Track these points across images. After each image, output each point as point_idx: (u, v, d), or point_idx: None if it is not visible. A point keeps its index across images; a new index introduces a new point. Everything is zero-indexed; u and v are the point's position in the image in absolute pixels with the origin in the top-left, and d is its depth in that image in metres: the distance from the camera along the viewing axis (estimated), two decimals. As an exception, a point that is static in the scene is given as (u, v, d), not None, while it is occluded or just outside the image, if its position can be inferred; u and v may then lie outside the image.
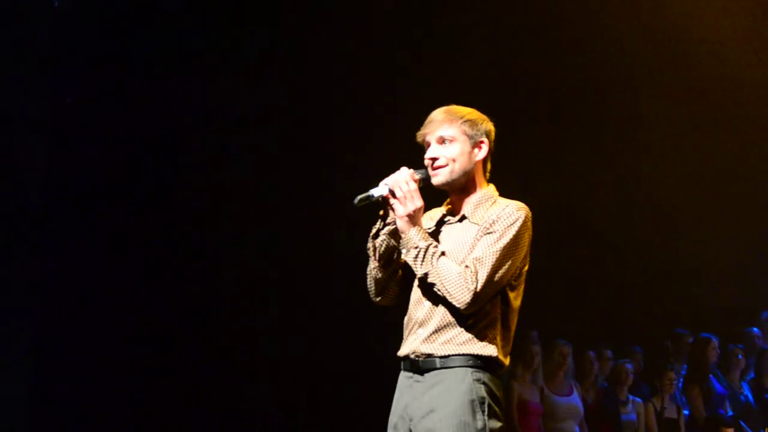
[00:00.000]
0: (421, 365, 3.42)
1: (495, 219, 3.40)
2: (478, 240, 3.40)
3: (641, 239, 8.75)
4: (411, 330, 3.48)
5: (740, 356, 8.28)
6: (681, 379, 8.18)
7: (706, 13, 8.64)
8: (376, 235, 3.50)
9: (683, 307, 8.81)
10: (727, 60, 8.78)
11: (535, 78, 8.43)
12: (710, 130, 8.97)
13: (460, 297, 3.31)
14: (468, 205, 3.52)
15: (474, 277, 3.30)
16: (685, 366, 8.32)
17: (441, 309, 3.41)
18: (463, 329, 3.39)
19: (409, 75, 7.86)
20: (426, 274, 3.37)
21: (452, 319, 3.39)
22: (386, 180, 3.45)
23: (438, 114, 3.53)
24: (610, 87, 8.77)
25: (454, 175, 3.50)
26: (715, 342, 8.21)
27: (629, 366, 7.95)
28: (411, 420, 3.40)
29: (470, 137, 3.51)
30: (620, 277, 8.70)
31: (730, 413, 8.01)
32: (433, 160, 3.50)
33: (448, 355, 3.38)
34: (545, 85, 8.56)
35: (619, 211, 8.74)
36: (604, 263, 8.66)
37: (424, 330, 3.43)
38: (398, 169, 3.48)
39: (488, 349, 3.39)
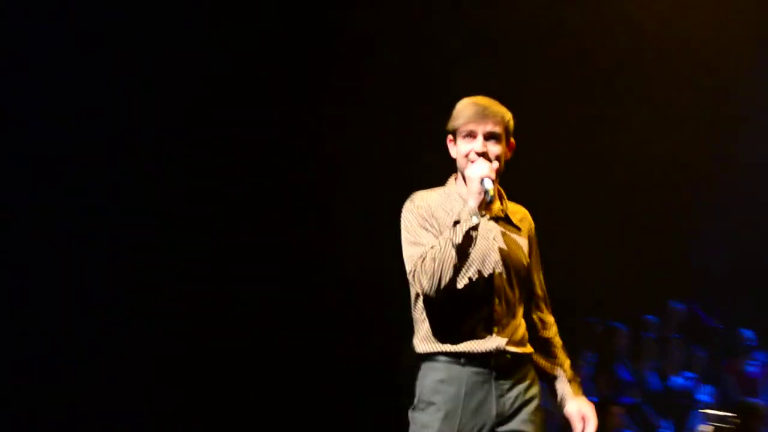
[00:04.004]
0: (510, 363, 3.44)
1: (534, 236, 3.63)
2: (530, 246, 3.58)
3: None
4: (489, 325, 3.43)
5: (648, 344, 8.32)
6: (590, 367, 8.17)
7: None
8: (477, 227, 3.33)
9: (592, 296, 8.79)
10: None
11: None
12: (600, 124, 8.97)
13: None
14: (503, 203, 3.59)
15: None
16: (595, 354, 8.31)
17: (518, 303, 3.52)
18: (526, 328, 3.55)
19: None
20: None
21: (521, 315, 3.52)
22: (483, 171, 3.36)
23: (492, 107, 3.48)
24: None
25: (498, 177, 3.47)
26: (623, 331, 8.23)
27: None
28: (498, 417, 3.40)
29: (508, 137, 3.52)
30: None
31: (637, 400, 8.04)
32: (482, 155, 3.43)
33: (528, 354, 3.53)
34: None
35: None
36: None
37: (508, 326, 3.46)
38: None
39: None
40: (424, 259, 3.32)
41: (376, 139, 8.00)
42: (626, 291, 8.78)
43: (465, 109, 3.48)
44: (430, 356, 3.44)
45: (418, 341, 3.48)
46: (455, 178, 3.57)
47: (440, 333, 3.43)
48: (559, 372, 3.62)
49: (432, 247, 3.33)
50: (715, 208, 9.30)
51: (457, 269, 3.30)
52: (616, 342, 8.24)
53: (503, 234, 3.51)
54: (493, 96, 3.55)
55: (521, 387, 3.43)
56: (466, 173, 3.41)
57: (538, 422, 3.45)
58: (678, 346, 8.55)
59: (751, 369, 8.56)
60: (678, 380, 8.37)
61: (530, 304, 3.60)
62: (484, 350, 3.40)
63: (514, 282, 3.48)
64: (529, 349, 3.52)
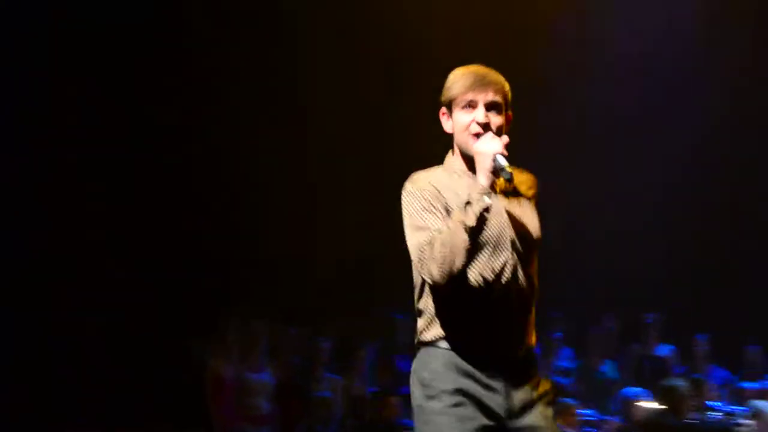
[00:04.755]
0: (521, 357, 3.22)
1: (537, 196, 3.38)
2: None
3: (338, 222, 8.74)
4: (502, 312, 3.17)
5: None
6: (372, 358, 8.57)
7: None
8: (488, 210, 3.10)
9: (376, 287, 8.78)
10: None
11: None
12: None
13: None
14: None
15: None
16: (376, 345, 8.61)
17: (533, 286, 3.26)
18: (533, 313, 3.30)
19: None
20: None
21: (531, 306, 3.27)
22: (496, 147, 3.14)
23: (491, 74, 3.26)
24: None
25: None
26: (404, 321, 8.39)
27: (326, 344, 8.52)
28: (508, 414, 3.16)
29: (507, 108, 3.30)
30: (317, 257, 8.84)
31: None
32: (485, 126, 3.21)
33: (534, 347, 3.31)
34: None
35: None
36: (305, 246, 8.85)
37: (522, 314, 3.22)
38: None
39: None
40: (433, 244, 3.07)
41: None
42: (408, 282, 8.62)
43: (462, 77, 3.24)
44: (434, 344, 3.21)
45: (421, 328, 3.27)
46: (452, 154, 3.33)
47: (448, 321, 3.18)
48: None
49: (441, 232, 3.09)
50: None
51: (471, 254, 3.06)
52: (397, 333, 8.43)
53: (516, 208, 3.26)
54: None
55: (532, 383, 3.21)
56: (476, 148, 3.14)
57: (551, 417, 3.23)
58: None
59: None
60: None
61: None
62: (495, 340, 3.16)
63: (531, 260, 3.23)
64: (534, 339, 3.29)
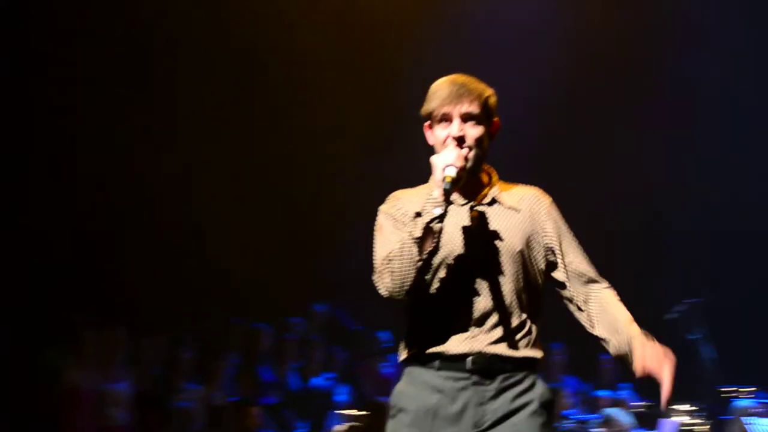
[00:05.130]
0: (491, 367, 3.12)
1: (550, 213, 3.28)
2: (532, 230, 3.22)
3: (200, 230, 8.72)
4: (466, 324, 3.11)
5: (290, 345, 8.42)
6: (233, 368, 8.51)
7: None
8: (441, 219, 3.04)
9: (238, 297, 8.79)
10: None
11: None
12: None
13: None
14: (491, 188, 3.26)
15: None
16: (238, 354, 8.57)
17: (508, 298, 3.15)
18: (529, 327, 3.20)
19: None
20: None
21: (523, 312, 3.18)
22: (447, 159, 3.08)
23: (468, 84, 3.19)
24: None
25: (479, 162, 3.22)
26: (267, 331, 8.38)
27: (187, 354, 8.41)
28: (476, 427, 3.09)
29: (489, 116, 3.22)
30: (179, 266, 8.78)
31: (277, 400, 8.38)
32: (460, 140, 3.16)
33: (522, 358, 3.17)
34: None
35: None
36: (167, 253, 8.78)
37: (491, 325, 3.13)
38: None
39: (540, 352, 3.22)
40: (390, 259, 3.07)
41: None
42: (271, 292, 8.72)
43: (438, 90, 3.20)
44: (406, 362, 3.22)
45: (400, 347, 3.26)
46: None
47: (417, 336, 3.18)
48: (631, 343, 3.22)
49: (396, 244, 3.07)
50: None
51: (422, 266, 3.04)
52: (260, 343, 8.40)
53: (490, 221, 3.18)
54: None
55: (509, 394, 3.11)
56: (431, 160, 3.12)
57: (530, 428, 3.10)
58: (319, 347, 8.50)
59: (385, 370, 8.46)
60: (318, 381, 8.46)
61: (579, 287, 3.27)
62: (458, 352, 3.10)
63: (506, 272, 3.14)
64: (530, 352, 3.17)
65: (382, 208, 3.28)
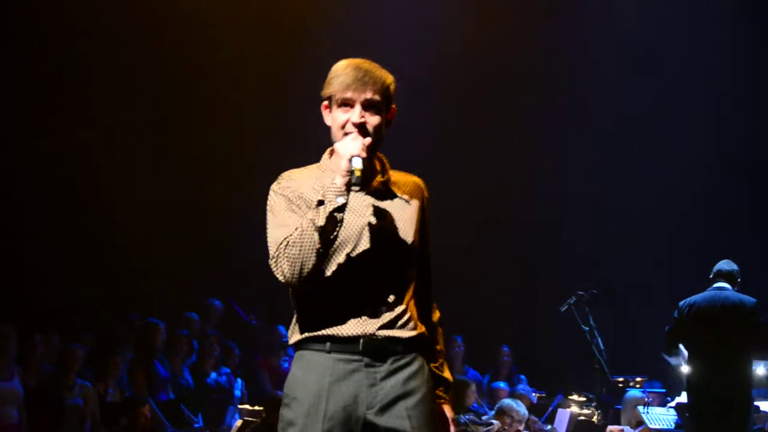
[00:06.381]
0: (383, 349, 3.13)
1: (427, 207, 3.33)
2: (420, 219, 3.27)
3: (91, 227, 8.62)
4: (359, 308, 3.13)
5: (185, 340, 8.35)
6: (127, 364, 8.38)
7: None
8: (343, 208, 3.06)
9: (132, 292, 8.70)
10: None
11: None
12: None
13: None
14: (383, 175, 3.26)
15: None
16: (132, 350, 8.45)
17: (398, 284, 3.20)
18: (412, 308, 3.25)
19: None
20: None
21: (408, 297, 3.23)
22: (353, 149, 3.07)
23: (372, 71, 3.17)
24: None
25: (376, 149, 3.22)
26: (161, 327, 8.26)
27: (80, 350, 8.22)
28: (369, 408, 3.10)
29: (389, 104, 3.23)
30: (75, 264, 8.66)
31: (172, 396, 8.26)
32: (360, 127, 3.15)
33: (411, 338, 3.19)
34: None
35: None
36: (59, 248, 8.65)
37: (383, 309, 3.15)
38: None
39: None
40: (287, 243, 3.05)
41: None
42: (167, 287, 8.66)
43: (342, 74, 3.16)
44: (298, 346, 3.19)
45: (290, 332, 3.24)
46: (330, 152, 3.26)
47: (308, 320, 3.16)
48: (437, 365, 3.36)
49: (296, 229, 3.06)
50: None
51: (322, 254, 3.03)
52: (154, 338, 8.29)
53: (383, 208, 3.21)
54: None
55: (400, 376, 3.13)
56: (335, 147, 3.13)
57: (420, 417, 3.12)
58: (215, 342, 8.45)
59: (284, 365, 8.46)
60: (214, 376, 8.40)
61: (420, 280, 3.30)
62: (350, 335, 3.11)
63: (397, 259, 3.19)
64: (416, 331, 3.20)
65: (274, 187, 3.23)
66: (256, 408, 7.76)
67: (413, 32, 9.59)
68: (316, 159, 3.30)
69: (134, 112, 9.01)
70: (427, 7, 9.84)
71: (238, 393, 8.33)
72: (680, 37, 10.19)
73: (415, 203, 3.28)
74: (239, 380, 8.41)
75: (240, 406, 8.08)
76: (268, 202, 3.21)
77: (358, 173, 3.03)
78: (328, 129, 3.23)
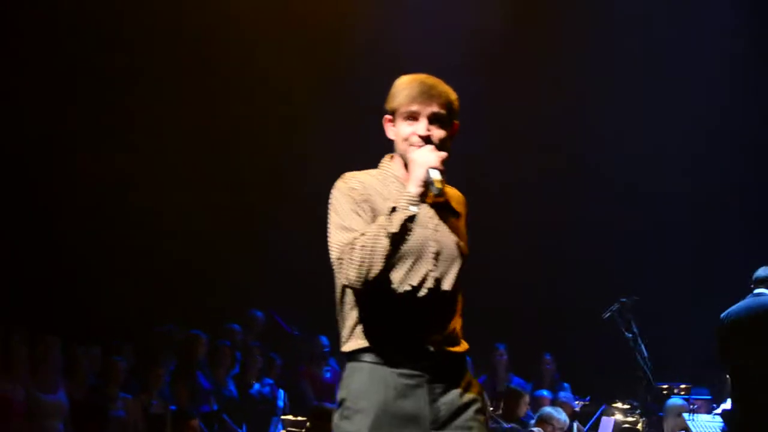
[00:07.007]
0: (442, 365, 3.18)
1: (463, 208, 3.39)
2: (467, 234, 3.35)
3: (132, 237, 8.61)
4: (420, 322, 3.16)
5: (228, 352, 8.37)
6: (169, 375, 8.41)
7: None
8: (414, 218, 3.08)
9: (173, 304, 8.72)
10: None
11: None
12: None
13: None
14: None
15: None
16: (174, 362, 8.48)
17: (454, 299, 3.26)
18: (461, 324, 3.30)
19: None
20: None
21: (459, 311, 3.29)
22: (431, 160, 3.13)
23: (437, 86, 3.24)
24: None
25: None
26: (203, 338, 8.29)
27: (122, 363, 8.26)
28: (432, 423, 3.13)
29: (452, 119, 3.28)
30: (112, 273, 8.70)
31: (215, 407, 8.28)
32: (426, 140, 3.20)
33: (464, 353, 3.28)
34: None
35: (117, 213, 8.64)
36: (102, 261, 8.69)
37: (442, 324, 3.20)
38: None
39: None
40: (353, 246, 3.04)
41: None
42: (208, 299, 8.68)
43: (408, 87, 3.23)
44: (355, 356, 3.17)
45: (344, 338, 3.21)
46: (391, 158, 3.32)
47: (368, 329, 3.15)
48: None
49: (363, 234, 3.06)
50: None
51: (389, 260, 3.04)
52: (196, 350, 8.32)
53: (444, 222, 3.26)
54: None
55: (457, 390, 3.17)
56: (411, 156, 3.15)
57: (478, 427, 3.19)
58: (257, 353, 8.46)
59: (326, 375, 8.44)
60: (257, 387, 8.42)
61: None
62: (415, 350, 3.13)
63: (454, 274, 3.22)
64: (464, 346, 3.26)
65: (340, 186, 3.23)
66: (299, 418, 7.77)
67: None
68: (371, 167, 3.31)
69: (189, 121, 9.02)
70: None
71: (281, 404, 8.34)
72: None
73: (462, 218, 3.36)
74: (281, 391, 8.41)
75: (283, 417, 8.08)
76: (332, 201, 3.21)
77: (438, 185, 3.08)
78: (381, 139, 3.30)
